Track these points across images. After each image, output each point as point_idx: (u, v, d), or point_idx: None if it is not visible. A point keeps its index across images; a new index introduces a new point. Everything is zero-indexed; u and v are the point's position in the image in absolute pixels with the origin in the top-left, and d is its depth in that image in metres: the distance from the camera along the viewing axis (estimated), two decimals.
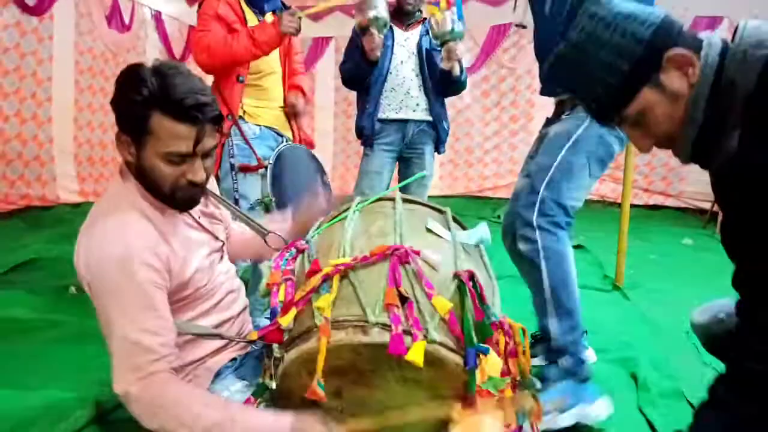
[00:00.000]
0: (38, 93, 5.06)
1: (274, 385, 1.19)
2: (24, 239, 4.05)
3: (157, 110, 1.12)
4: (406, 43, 2.80)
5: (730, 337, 1.39)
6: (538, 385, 1.21)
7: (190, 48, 6.73)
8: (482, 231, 1.33)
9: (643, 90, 1.05)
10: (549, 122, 1.96)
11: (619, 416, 1.75)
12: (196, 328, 1.29)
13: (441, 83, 2.77)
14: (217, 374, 1.34)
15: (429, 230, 1.29)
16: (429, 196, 2.81)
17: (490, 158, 7.08)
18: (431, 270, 1.17)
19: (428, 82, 2.77)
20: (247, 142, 2.30)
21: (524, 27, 2.25)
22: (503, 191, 6.86)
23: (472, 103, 7.01)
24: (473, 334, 1.10)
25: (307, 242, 1.33)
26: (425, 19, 2.87)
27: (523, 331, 1.28)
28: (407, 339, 1.05)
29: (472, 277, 1.14)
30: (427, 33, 2.78)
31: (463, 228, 1.42)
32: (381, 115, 2.79)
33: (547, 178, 1.71)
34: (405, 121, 2.80)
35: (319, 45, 7.35)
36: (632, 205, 3.32)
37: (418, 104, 2.79)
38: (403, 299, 1.09)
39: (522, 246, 1.73)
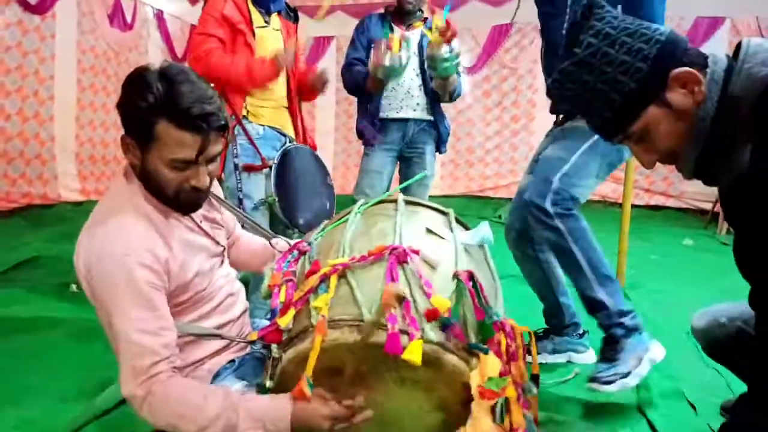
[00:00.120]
0: (40, 91, 5.07)
1: (269, 384, 1.20)
2: (25, 237, 4.06)
3: (164, 117, 1.12)
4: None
5: (731, 341, 1.40)
6: (534, 390, 1.22)
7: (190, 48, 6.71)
8: (484, 231, 1.33)
9: (648, 108, 1.05)
10: (563, 121, 1.97)
11: (620, 418, 1.76)
12: (195, 329, 1.30)
13: (433, 94, 2.78)
14: (216, 375, 1.35)
15: (430, 231, 1.29)
16: (429, 196, 2.80)
17: (491, 158, 7.08)
18: (430, 270, 1.17)
19: (429, 82, 2.76)
20: (251, 141, 2.30)
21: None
22: (504, 191, 6.86)
23: (474, 102, 7.01)
24: (472, 333, 1.10)
25: (309, 244, 1.34)
26: (426, 18, 2.86)
27: (530, 334, 1.28)
28: (404, 338, 1.04)
29: (471, 277, 1.14)
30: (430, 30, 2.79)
31: (467, 229, 1.42)
32: (381, 114, 2.79)
33: (561, 172, 1.78)
34: (405, 121, 2.80)
35: (320, 44, 7.36)
36: (633, 206, 3.31)
37: (418, 104, 2.79)
38: (401, 299, 1.09)
39: (547, 234, 1.79)
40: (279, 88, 2.42)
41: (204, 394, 1.14)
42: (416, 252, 1.17)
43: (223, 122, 1.18)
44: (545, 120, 6.61)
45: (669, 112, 1.04)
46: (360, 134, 2.89)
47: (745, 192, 0.93)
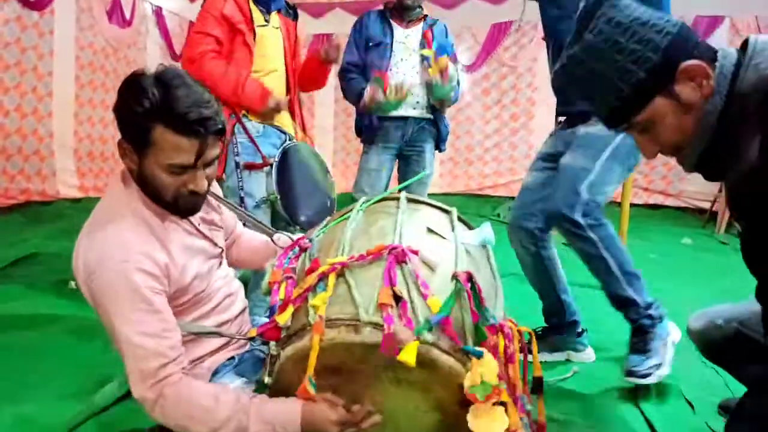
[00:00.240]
0: (39, 88, 5.05)
1: (267, 381, 1.20)
2: (24, 234, 4.04)
3: (160, 123, 1.11)
4: (406, 40, 2.79)
5: (728, 343, 1.40)
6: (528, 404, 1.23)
7: None
8: (486, 231, 1.33)
9: (655, 99, 1.05)
10: (570, 123, 1.96)
11: (618, 416, 1.76)
12: (195, 327, 1.30)
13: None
14: (216, 372, 1.35)
15: (430, 230, 1.29)
16: (429, 194, 2.80)
17: (490, 156, 7.07)
18: (429, 270, 1.16)
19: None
20: (251, 139, 2.30)
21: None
22: (503, 189, 6.85)
23: (473, 101, 7.00)
24: (468, 336, 1.10)
25: (310, 241, 1.34)
26: (426, 15, 2.86)
27: (530, 334, 1.27)
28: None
29: (470, 278, 1.13)
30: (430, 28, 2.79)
31: (470, 228, 1.41)
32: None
33: (588, 181, 1.81)
34: (404, 119, 2.80)
35: (320, 42, 7.34)
36: (632, 204, 3.32)
37: (418, 102, 2.78)
38: (398, 299, 1.08)
39: (580, 245, 1.85)
40: (278, 86, 2.41)
41: (215, 396, 1.15)
42: (415, 252, 1.16)
43: (220, 126, 1.18)
44: (545, 118, 6.67)
45: (676, 104, 1.04)
46: (359, 132, 2.89)
47: (753, 186, 0.93)
